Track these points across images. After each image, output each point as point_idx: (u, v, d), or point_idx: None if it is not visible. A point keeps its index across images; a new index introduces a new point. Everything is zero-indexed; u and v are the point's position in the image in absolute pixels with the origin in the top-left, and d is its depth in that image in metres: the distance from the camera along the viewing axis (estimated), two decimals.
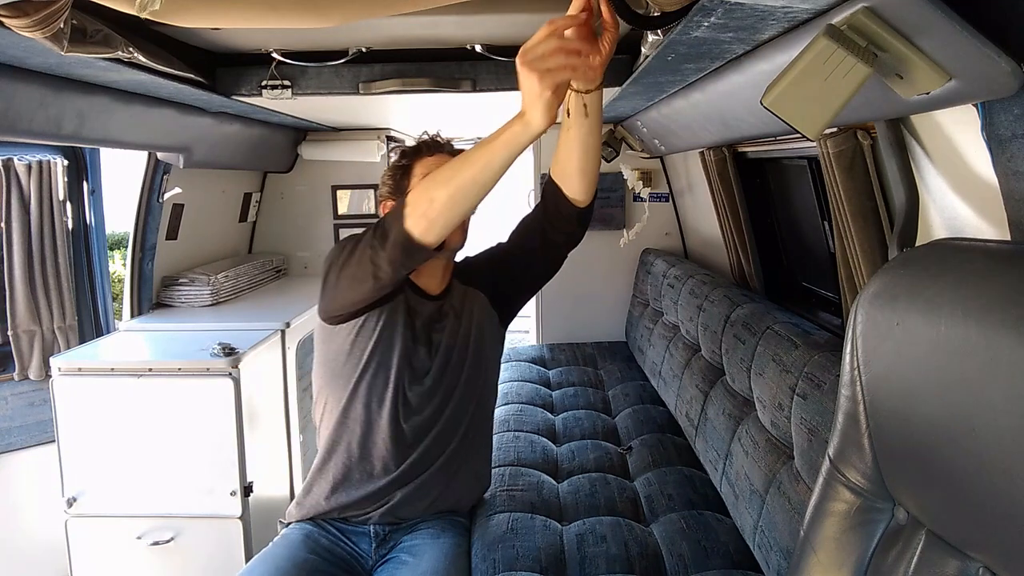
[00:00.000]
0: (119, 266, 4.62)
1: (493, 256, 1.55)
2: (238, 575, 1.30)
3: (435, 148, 1.47)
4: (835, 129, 1.29)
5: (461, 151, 1.53)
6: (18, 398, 2.17)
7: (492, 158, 1.06)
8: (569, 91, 1.11)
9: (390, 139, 3.08)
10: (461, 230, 1.44)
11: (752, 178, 2.17)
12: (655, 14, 0.89)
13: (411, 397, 1.41)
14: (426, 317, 1.44)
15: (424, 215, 1.14)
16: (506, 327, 1.57)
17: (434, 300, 1.46)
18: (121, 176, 2.37)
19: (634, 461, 1.91)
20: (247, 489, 1.88)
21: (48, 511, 2.04)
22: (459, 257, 1.53)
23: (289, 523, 1.46)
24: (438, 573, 1.33)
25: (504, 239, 1.54)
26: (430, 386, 1.42)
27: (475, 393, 1.48)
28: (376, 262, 1.21)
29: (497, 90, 1.68)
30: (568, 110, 1.15)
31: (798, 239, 2.08)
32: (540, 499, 1.67)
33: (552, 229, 1.39)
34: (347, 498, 1.41)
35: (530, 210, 1.47)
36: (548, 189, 1.36)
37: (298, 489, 2.28)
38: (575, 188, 1.30)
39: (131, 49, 1.17)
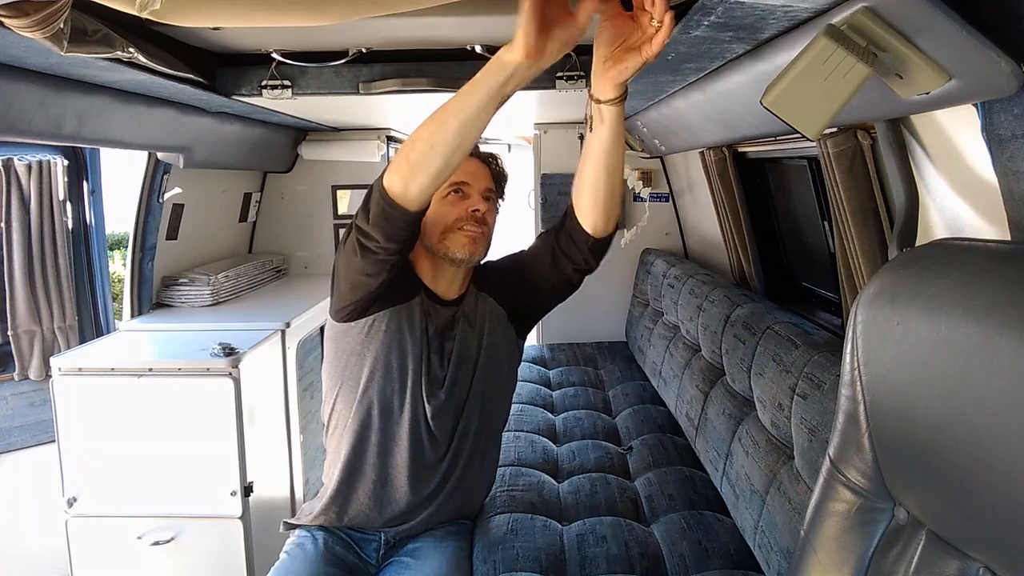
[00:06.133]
0: (119, 266, 4.62)
1: (510, 266, 1.46)
2: None
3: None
4: (835, 129, 1.29)
5: (494, 157, 1.45)
6: (18, 398, 2.17)
7: (473, 88, 0.98)
8: (589, 99, 1.07)
9: (390, 139, 3.08)
10: (484, 241, 1.36)
11: (752, 178, 2.17)
12: None
13: (429, 410, 1.35)
14: (440, 323, 1.37)
15: (405, 157, 1.07)
16: (524, 338, 1.50)
17: (448, 306, 1.39)
18: (121, 176, 2.37)
19: (634, 461, 1.91)
20: (247, 489, 1.88)
21: (48, 511, 2.04)
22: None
23: (295, 526, 1.43)
24: None
25: (526, 247, 1.46)
26: (445, 399, 1.36)
27: (485, 405, 1.41)
28: (361, 229, 1.15)
29: None
30: (590, 121, 1.10)
31: (798, 239, 2.08)
32: (540, 499, 1.67)
33: (562, 254, 1.31)
34: (364, 520, 1.39)
35: (544, 227, 1.41)
36: (567, 211, 1.29)
37: (299, 489, 2.30)
38: (586, 213, 1.22)
39: (131, 49, 1.17)
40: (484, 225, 1.36)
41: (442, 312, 1.38)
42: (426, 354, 1.34)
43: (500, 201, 1.47)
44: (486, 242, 1.38)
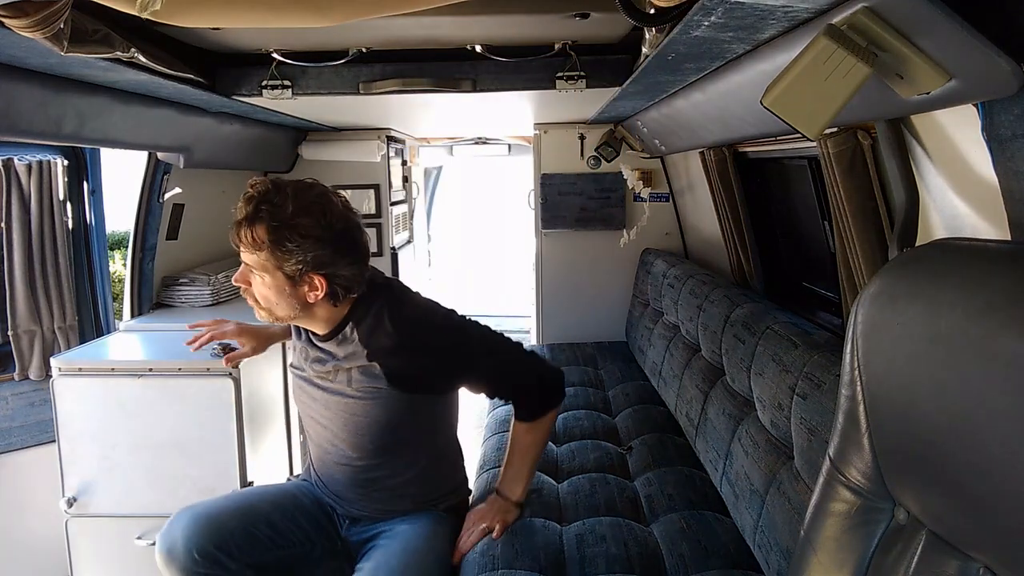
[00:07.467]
0: (119, 266, 4.61)
1: (412, 353, 1.42)
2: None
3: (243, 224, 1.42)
4: (835, 129, 1.29)
5: (258, 210, 1.44)
6: (18, 398, 2.17)
7: None
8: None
9: (390, 139, 3.08)
10: (256, 302, 1.43)
11: (752, 178, 2.17)
12: (651, 11, 0.90)
13: (312, 411, 1.54)
14: (312, 359, 1.50)
15: None
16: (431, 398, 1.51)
17: (321, 341, 1.47)
18: (121, 176, 2.37)
19: (634, 461, 1.91)
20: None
21: (48, 511, 2.04)
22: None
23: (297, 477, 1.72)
24: (415, 552, 1.41)
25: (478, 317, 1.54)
26: (320, 406, 1.51)
27: (353, 414, 1.46)
28: None
29: (497, 90, 1.67)
30: None
31: (798, 239, 2.08)
32: (540, 499, 1.67)
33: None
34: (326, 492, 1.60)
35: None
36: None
37: None
38: None
39: (131, 49, 1.17)
40: (248, 293, 1.44)
41: (315, 348, 1.50)
42: (307, 391, 1.53)
43: (288, 244, 1.36)
44: (258, 301, 1.43)
